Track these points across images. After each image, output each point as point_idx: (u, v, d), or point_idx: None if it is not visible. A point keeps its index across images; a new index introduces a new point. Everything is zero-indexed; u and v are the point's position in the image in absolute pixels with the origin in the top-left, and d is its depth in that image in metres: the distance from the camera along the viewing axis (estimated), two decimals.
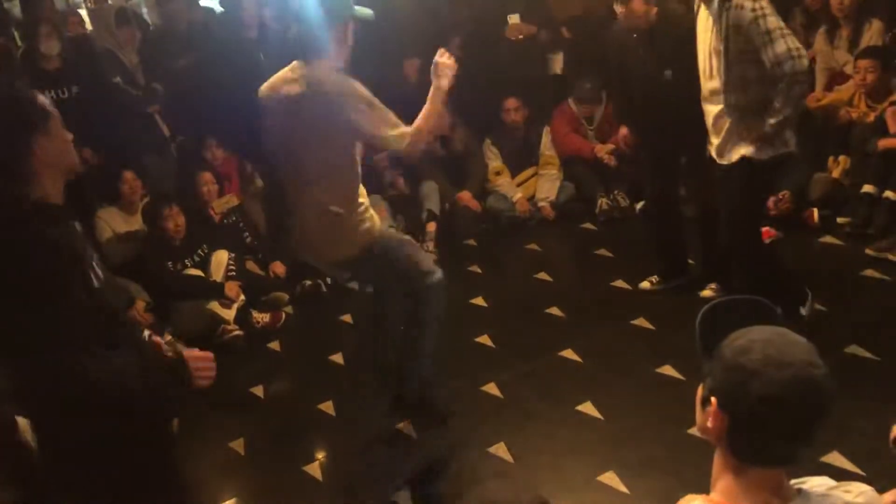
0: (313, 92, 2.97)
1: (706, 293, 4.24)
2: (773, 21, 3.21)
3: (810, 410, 1.26)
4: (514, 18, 5.93)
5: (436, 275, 3.29)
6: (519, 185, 5.85)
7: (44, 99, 1.91)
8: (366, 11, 3.13)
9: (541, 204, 5.72)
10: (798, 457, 1.30)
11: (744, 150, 3.45)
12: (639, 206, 5.42)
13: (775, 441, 1.29)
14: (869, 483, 1.44)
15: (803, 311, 3.69)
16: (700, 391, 1.37)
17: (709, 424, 1.33)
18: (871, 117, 4.78)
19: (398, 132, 3.04)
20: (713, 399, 1.32)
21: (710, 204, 4.25)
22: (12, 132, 1.82)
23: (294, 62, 3.07)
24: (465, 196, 5.69)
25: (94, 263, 1.89)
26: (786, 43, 3.19)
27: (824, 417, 1.28)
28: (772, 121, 3.32)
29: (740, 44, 3.28)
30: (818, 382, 1.25)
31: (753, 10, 3.20)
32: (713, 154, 3.65)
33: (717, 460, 1.36)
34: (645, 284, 4.48)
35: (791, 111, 3.33)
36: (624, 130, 4.55)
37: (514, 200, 5.69)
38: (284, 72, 3.10)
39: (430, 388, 3.57)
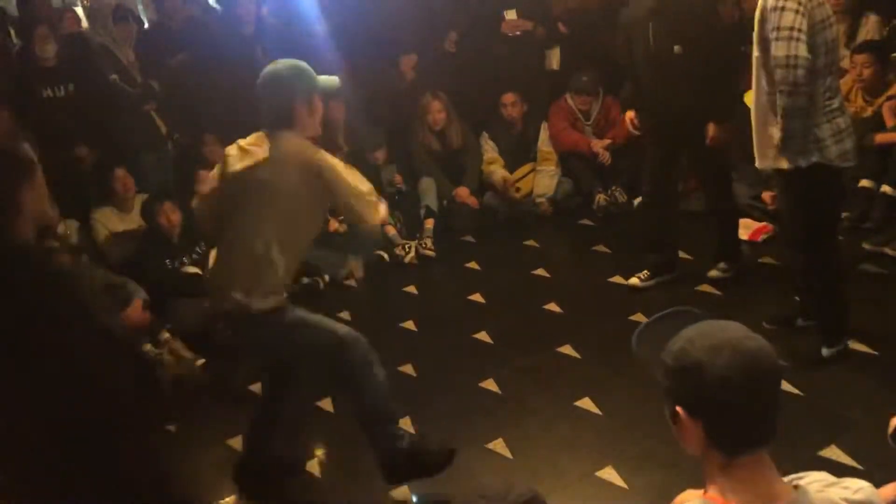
0: (281, 159, 2.79)
1: (714, 273, 4.24)
2: (790, 18, 2.94)
3: (763, 377, 1.31)
4: (510, 14, 5.92)
5: (346, 339, 2.92)
6: (517, 181, 5.84)
7: (29, 150, 1.96)
8: (331, 81, 2.96)
9: (539, 200, 5.72)
10: (775, 427, 1.33)
11: (772, 158, 3.23)
12: (636, 201, 5.41)
13: (749, 419, 1.32)
14: (867, 477, 1.44)
15: (826, 351, 3.44)
16: (667, 412, 1.39)
17: (686, 438, 1.35)
18: (869, 112, 4.78)
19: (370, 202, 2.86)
20: (679, 409, 1.34)
21: (721, 195, 4.26)
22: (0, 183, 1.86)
23: (259, 133, 2.89)
24: (463, 192, 5.69)
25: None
26: (787, 48, 2.95)
27: (778, 380, 1.35)
28: (777, 133, 3.12)
29: (762, 33, 3.08)
30: (757, 351, 1.31)
31: None
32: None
33: (705, 466, 1.36)
34: (634, 281, 4.45)
35: (792, 124, 3.08)
36: (630, 113, 4.36)
37: (496, 180, 5.68)
38: (246, 141, 2.90)
39: (405, 440, 3.01)
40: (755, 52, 3.20)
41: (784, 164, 3.20)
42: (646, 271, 4.45)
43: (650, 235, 4.53)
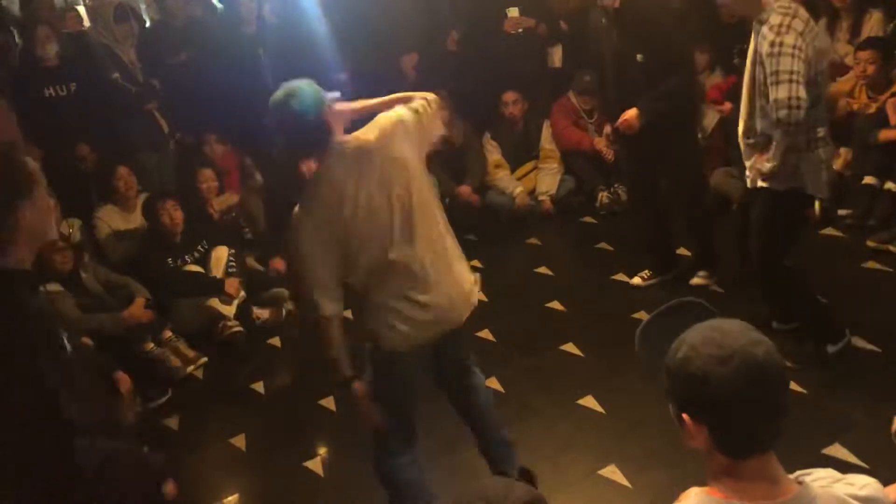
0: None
1: (696, 281, 4.27)
2: (787, 63, 2.98)
3: (770, 386, 1.29)
4: (513, 12, 5.90)
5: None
6: (519, 179, 5.83)
7: (34, 164, 1.84)
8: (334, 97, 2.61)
9: (541, 198, 5.71)
10: (781, 430, 1.32)
11: (758, 179, 3.31)
12: None
13: (755, 427, 1.30)
14: (871, 475, 1.43)
15: (831, 348, 3.46)
16: (672, 411, 1.38)
17: (691, 439, 1.34)
18: (873, 108, 4.76)
19: None
20: (684, 416, 1.33)
21: (692, 203, 4.27)
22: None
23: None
24: (465, 190, 5.68)
25: (62, 333, 1.85)
26: (789, 90, 2.99)
27: (785, 386, 1.32)
28: (767, 164, 3.19)
29: (762, 74, 3.12)
30: (764, 359, 1.28)
31: (772, 44, 3.01)
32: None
33: (710, 465, 1.36)
34: (636, 280, 4.46)
35: (789, 159, 3.15)
36: (607, 129, 4.44)
37: (514, 194, 5.68)
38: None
39: None
40: (746, 82, 3.22)
41: (760, 184, 3.28)
42: (647, 271, 4.47)
43: (646, 238, 4.54)
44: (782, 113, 3.02)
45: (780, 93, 3.01)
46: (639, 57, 3.84)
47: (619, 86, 4.05)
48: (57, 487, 1.74)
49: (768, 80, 3.04)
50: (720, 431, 1.30)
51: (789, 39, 2.99)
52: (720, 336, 1.30)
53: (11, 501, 1.72)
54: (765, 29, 3.04)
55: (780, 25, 3.00)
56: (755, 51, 3.13)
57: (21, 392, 1.69)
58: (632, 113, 3.94)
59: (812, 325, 3.51)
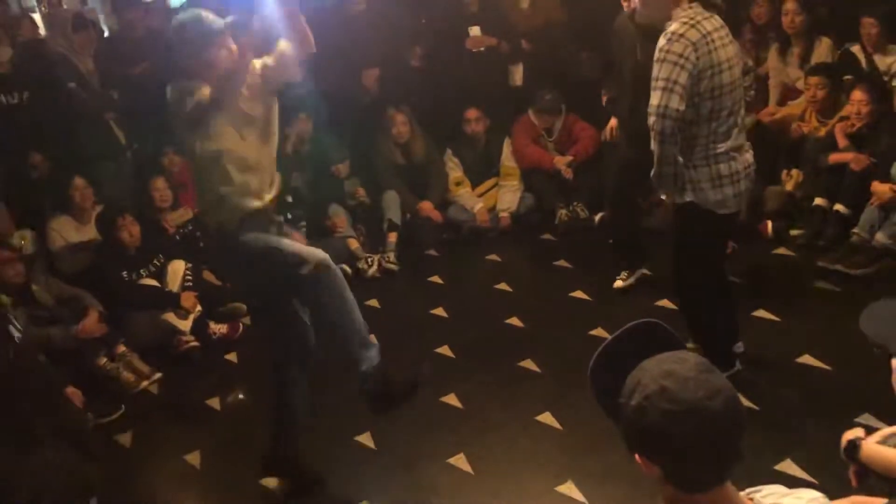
0: None
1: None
2: (667, 71, 2.99)
3: (726, 438, 1.27)
4: (474, 30, 5.95)
5: (309, 263, 2.90)
6: (480, 195, 5.87)
7: None
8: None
9: (501, 215, 5.75)
10: (733, 471, 1.32)
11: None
12: (598, 217, 5.47)
13: (710, 471, 1.30)
14: (822, 491, 1.46)
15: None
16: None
17: (644, 470, 1.35)
18: (822, 132, 4.90)
19: None
20: (637, 456, 1.33)
21: None
22: None
23: None
24: (427, 206, 5.69)
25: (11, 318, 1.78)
26: (660, 97, 3.00)
27: (742, 433, 1.29)
28: (653, 172, 3.22)
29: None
30: (722, 413, 1.25)
31: (660, 49, 3.03)
32: None
33: (663, 492, 1.36)
34: (618, 283, 4.56)
35: (663, 169, 3.14)
36: (613, 122, 4.45)
37: (475, 211, 5.71)
38: None
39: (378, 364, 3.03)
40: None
41: (664, 195, 3.33)
42: (624, 272, 4.57)
43: (618, 236, 4.64)
44: (650, 120, 3.06)
45: (653, 99, 3.04)
46: None
47: (641, 96, 4.07)
48: None
49: (652, 85, 3.07)
50: (673, 473, 1.31)
51: (677, 48, 2.99)
52: (675, 387, 1.26)
53: None
54: (661, 37, 3.07)
55: (674, 33, 3.02)
56: None
57: None
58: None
59: (714, 348, 3.44)
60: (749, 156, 3.30)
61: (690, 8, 3.07)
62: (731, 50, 3.13)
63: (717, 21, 3.11)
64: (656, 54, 3.04)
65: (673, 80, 2.99)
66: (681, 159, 3.17)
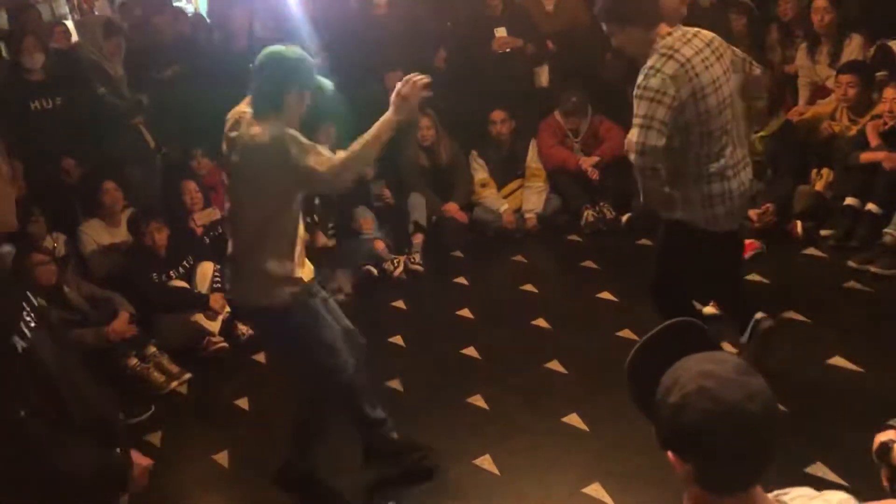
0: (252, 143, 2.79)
1: (709, 310, 4.04)
2: (645, 107, 2.95)
3: (763, 440, 1.27)
4: (500, 31, 5.96)
5: (345, 374, 2.98)
6: (505, 197, 5.87)
7: None
8: (326, 84, 2.96)
9: (527, 216, 5.74)
10: (765, 474, 1.31)
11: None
12: (625, 218, 5.45)
13: (743, 472, 1.30)
14: (853, 494, 1.44)
15: None
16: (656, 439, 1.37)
17: (674, 467, 1.34)
18: (853, 131, 4.83)
19: (326, 165, 2.77)
20: (669, 454, 1.33)
21: None
22: None
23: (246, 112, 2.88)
24: (452, 208, 5.70)
25: (26, 319, 1.76)
26: (639, 134, 2.97)
27: (776, 437, 1.30)
28: (641, 200, 3.25)
29: None
30: (759, 415, 1.25)
31: (637, 86, 3.00)
32: None
33: (689, 492, 1.35)
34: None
35: (649, 197, 3.17)
36: None
37: (501, 212, 5.71)
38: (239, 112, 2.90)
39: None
40: None
41: (667, 215, 3.26)
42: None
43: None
44: (631, 156, 3.04)
45: (632, 136, 3.01)
46: None
47: None
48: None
49: (633, 122, 3.04)
50: (705, 472, 1.30)
51: (654, 83, 2.94)
52: (716, 387, 1.26)
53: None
54: (640, 72, 3.02)
55: (651, 68, 2.97)
56: None
57: None
58: None
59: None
60: (746, 173, 3.24)
61: (670, 35, 3.01)
62: (718, 69, 3.05)
63: (700, 41, 3.04)
64: (635, 90, 3.01)
65: (650, 116, 2.95)
66: (667, 189, 3.14)
